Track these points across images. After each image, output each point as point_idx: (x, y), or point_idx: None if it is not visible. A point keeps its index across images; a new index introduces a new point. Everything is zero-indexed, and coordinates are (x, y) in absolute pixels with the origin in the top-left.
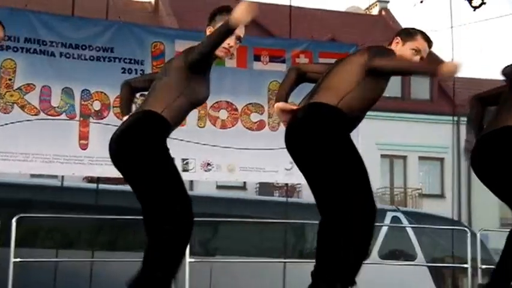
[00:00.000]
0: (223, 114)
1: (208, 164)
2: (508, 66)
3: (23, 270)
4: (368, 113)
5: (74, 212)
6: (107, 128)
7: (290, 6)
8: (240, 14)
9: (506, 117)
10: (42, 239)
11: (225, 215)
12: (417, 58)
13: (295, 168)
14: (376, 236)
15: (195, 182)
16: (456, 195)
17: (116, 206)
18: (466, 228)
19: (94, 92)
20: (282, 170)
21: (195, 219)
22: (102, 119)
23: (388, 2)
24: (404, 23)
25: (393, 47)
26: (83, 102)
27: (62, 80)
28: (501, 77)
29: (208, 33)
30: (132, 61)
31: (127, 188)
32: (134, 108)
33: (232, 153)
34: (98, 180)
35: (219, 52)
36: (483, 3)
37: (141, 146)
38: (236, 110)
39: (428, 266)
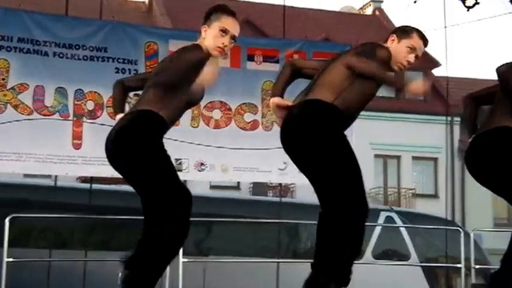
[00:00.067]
0: (216, 114)
1: (202, 164)
2: (503, 65)
3: (16, 270)
4: (362, 112)
5: (68, 212)
6: (101, 128)
7: (284, 6)
8: (205, 79)
9: (500, 117)
10: (36, 239)
11: (218, 215)
12: (412, 56)
13: (289, 168)
14: (370, 236)
15: (189, 182)
16: (450, 195)
17: (110, 206)
18: (459, 228)
19: (88, 91)
20: (275, 170)
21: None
22: (95, 118)
23: (382, 1)
24: (398, 23)
25: (388, 44)
26: (76, 102)
27: (56, 79)
28: (495, 77)
29: (203, 32)
30: (126, 61)
31: (121, 188)
32: (127, 108)
33: (226, 153)
34: (92, 180)
35: (214, 52)
36: (476, 3)
37: (139, 146)
38: (230, 110)
39: (422, 266)
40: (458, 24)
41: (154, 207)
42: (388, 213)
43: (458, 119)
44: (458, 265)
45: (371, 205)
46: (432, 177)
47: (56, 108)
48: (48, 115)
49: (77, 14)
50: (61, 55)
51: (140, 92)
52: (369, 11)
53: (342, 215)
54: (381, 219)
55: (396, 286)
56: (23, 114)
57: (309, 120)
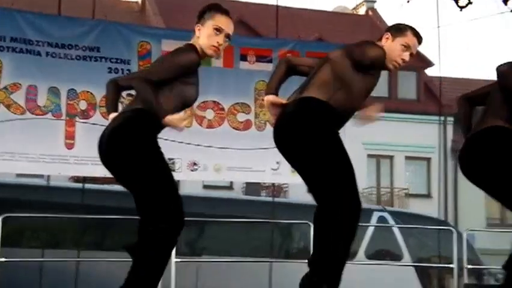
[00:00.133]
0: (209, 114)
1: (195, 164)
2: (504, 64)
3: (9, 269)
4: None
5: (60, 212)
6: (94, 127)
7: (277, 6)
8: (174, 121)
9: (492, 117)
10: (28, 239)
11: (211, 215)
12: (407, 54)
13: (282, 168)
14: (362, 236)
15: (181, 182)
16: (442, 195)
17: (103, 205)
18: (452, 228)
19: (80, 91)
20: (268, 169)
21: None
22: (88, 118)
23: (375, 1)
24: (391, 23)
25: (383, 42)
26: (69, 102)
27: (48, 79)
28: (488, 77)
29: (197, 31)
30: (118, 61)
31: (113, 187)
32: (120, 107)
33: (219, 153)
34: (85, 179)
35: (208, 50)
36: (469, 3)
37: (133, 145)
38: (223, 109)
39: (415, 266)
40: (451, 24)
41: (148, 207)
42: (381, 213)
43: (452, 119)
44: (451, 265)
45: (364, 205)
46: (425, 177)
47: (49, 108)
48: (41, 115)
49: (70, 14)
50: (54, 55)
51: (133, 92)
52: (362, 11)
53: (336, 213)
54: (374, 219)
55: (389, 286)
56: (15, 113)
57: (302, 118)
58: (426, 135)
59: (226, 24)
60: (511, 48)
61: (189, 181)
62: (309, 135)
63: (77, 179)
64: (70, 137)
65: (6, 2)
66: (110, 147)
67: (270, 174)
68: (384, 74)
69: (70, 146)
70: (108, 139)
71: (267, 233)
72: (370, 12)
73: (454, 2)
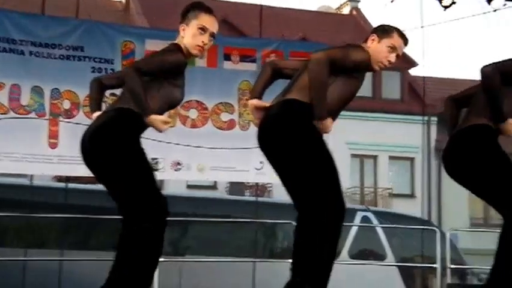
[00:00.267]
0: (193, 114)
1: (178, 164)
2: (488, 65)
3: None
4: None
5: (44, 211)
6: (77, 127)
7: (261, 5)
8: (157, 121)
9: (476, 116)
10: (11, 239)
11: (195, 215)
12: (393, 55)
13: (266, 167)
14: (346, 235)
15: (165, 182)
16: (426, 195)
17: (86, 205)
18: (435, 228)
19: (64, 90)
20: (252, 169)
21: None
22: (72, 118)
23: (359, 1)
24: (375, 23)
25: (369, 44)
26: (52, 101)
27: (32, 78)
28: (472, 77)
29: (181, 31)
30: (102, 60)
31: (97, 187)
32: (104, 107)
33: (202, 153)
34: (68, 179)
35: (193, 50)
36: (453, 2)
37: (116, 143)
38: (206, 109)
39: (398, 266)
40: (435, 24)
41: (131, 206)
42: (364, 213)
43: (435, 118)
44: (434, 265)
45: (348, 205)
46: (408, 177)
47: (32, 107)
48: (25, 114)
49: (53, 13)
50: (37, 54)
51: (117, 92)
52: (346, 10)
53: (321, 215)
54: (357, 219)
55: (372, 286)
56: None
57: (285, 120)
58: (410, 135)
59: (211, 23)
60: (494, 47)
61: (173, 181)
62: (292, 136)
63: (60, 179)
64: (53, 136)
65: None
66: (92, 146)
67: (253, 173)
68: (368, 74)
69: (53, 146)
70: (90, 138)
71: (250, 232)
72: (354, 12)
73: (437, 1)
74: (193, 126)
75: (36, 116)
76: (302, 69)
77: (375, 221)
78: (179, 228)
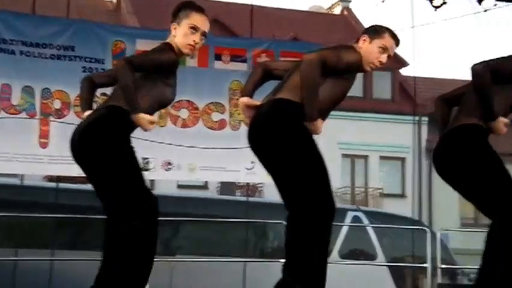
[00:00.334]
0: (184, 114)
1: (169, 164)
2: (479, 63)
3: None
4: None
5: (34, 211)
6: (68, 127)
7: (252, 5)
8: (143, 120)
9: (466, 116)
10: (1, 238)
11: (185, 215)
12: (384, 56)
13: (257, 167)
14: (337, 235)
15: (156, 181)
16: (417, 195)
17: (77, 205)
18: (426, 228)
19: (55, 90)
20: (243, 169)
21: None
22: (62, 117)
23: (350, 1)
24: (366, 23)
25: (360, 44)
26: (43, 101)
27: (23, 78)
28: (462, 77)
29: (173, 30)
30: (93, 60)
31: (88, 187)
32: (94, 106)
33: (193, 153)
34: (59, 179)
35: (185, 49)
36: (444, 3)
37: (106, 142)
38: (197, 109)
39: (388, 266)
40: (425, 24)
41: (120, 204)
42: (355, 213)
43: (426, 118)
44: (425, 265)
45: (338, 205)
46: (399, 177)
47: (23, 107)
48: (15, 114)
49: (44, 13)
50: (28, 54)
51: (107, 91)
52: (337, 10)
53: (311, 215)
54: (348, 219)
55: (363, 286)
56: None
57: (275, 119)
58: (401, 135)
59: (202, 22)
60: (485, 47)
61: (163, 181)
62: (282, 135)
63: (51, 178)
64: (44, 136)
65: None
66: (82, 144)
67: (244, 173)
68: (359, 74)
69: (44, 145)
70: (80, 135)
71: (241, 232)
72: (345, 12)
73: (428, 2)
74: (184, 126)
75: (27, 116)
76: (293, 70)
77: (365, 221)
78: (170, 228)
